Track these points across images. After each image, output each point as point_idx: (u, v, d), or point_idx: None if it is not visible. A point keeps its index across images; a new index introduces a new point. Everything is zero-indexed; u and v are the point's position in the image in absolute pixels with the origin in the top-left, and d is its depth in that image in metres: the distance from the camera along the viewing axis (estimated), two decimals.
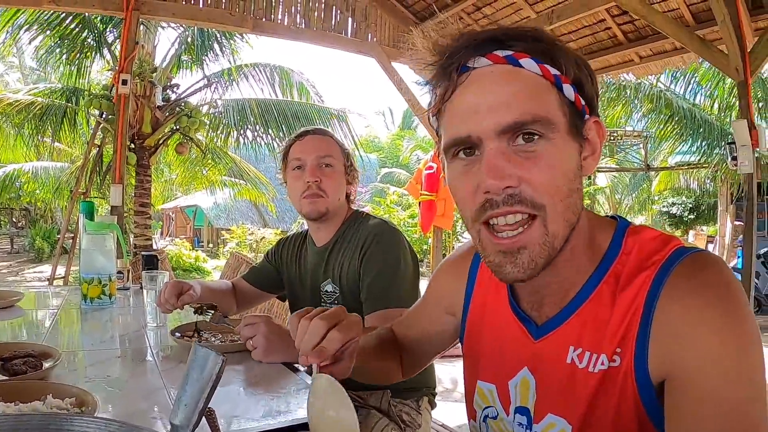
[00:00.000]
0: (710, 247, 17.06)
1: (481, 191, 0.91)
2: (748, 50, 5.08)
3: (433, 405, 2.27)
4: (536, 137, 0.89)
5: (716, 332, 0.83)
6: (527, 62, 0.90)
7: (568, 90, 0.92)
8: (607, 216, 1.07)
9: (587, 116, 0.95)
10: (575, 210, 0.94)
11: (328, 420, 0.94)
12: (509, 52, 0.90)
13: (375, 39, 7.84)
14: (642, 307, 0.90)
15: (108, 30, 8.97)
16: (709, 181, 17.31)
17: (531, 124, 0.88)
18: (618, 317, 0.92)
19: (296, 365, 1.72)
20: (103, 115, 8.47)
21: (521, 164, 0.89)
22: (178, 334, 1.94)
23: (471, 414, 1.20)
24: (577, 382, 0.95)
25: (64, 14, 8.17)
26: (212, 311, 1.99)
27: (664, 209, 22.12)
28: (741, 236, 13.36)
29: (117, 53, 7.95)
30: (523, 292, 1.08)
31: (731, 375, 0.81)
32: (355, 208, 2.32)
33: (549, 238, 0.91)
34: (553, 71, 0.90)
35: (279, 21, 7.16)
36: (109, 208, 5.86)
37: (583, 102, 0.94)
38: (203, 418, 0.85)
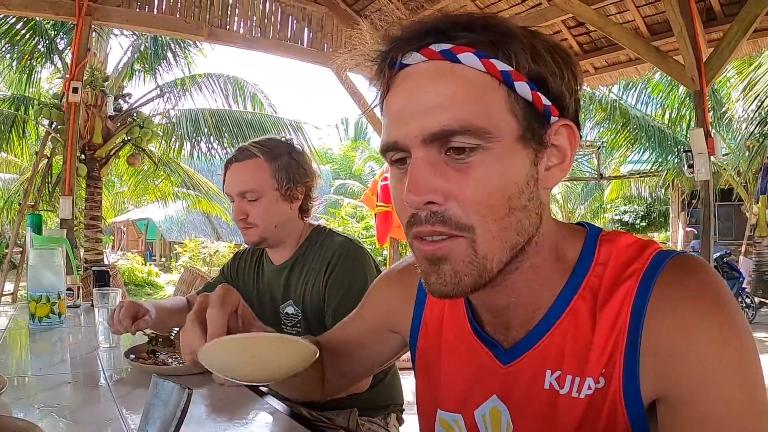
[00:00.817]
0: None
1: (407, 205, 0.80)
2: (704, 60, 5.17)
3: (400, 421, 2.21)
4: (469, 149, 0.77)
5: (714, 347, 0.76)
6: (467, 57, 0.76)
7: (523, 88, 0.77)
8: (575, 223, 0.96)
9: (554, 118, 0.81)
10: (520, 230, 0.81)
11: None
12: (447, 46, 0.77)
13: (331, 49, 7.80)
14: (628, 322, 0.80)
15: (59, 36, 8.78)
16: (660, 188, 17.66)
17: (461, 134, 0.76)
18: (602, 335, 0.82)
19: (262, 388, 1.64)
20: (53, 125, 8.28)
21: (451, 177, 0.78)
22: (132, 356, 1.83)
23: None
24: (561, 409, 0.85)
25: (13, 19, 7.94)
26: (168, 347, 1.86)
27: (616, 217, 22.54)
28: (693, 242, 13.72)
29: (68, 60, 7.76)
30: (484, 314, 0.96)
31: (734, 393, 0.75)
32: (317, 223, 2.22)
33: (478, 259, 0.79)
34: (502, 66, 0.76)
35: (235, 30, 7.09)
36: (59, 222, 5.69)
37: (547, 102, 0.79)
38: None
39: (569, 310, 0.86)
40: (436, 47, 0.77)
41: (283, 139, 2.14)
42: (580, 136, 0.86)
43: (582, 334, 0.84)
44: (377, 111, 0.87)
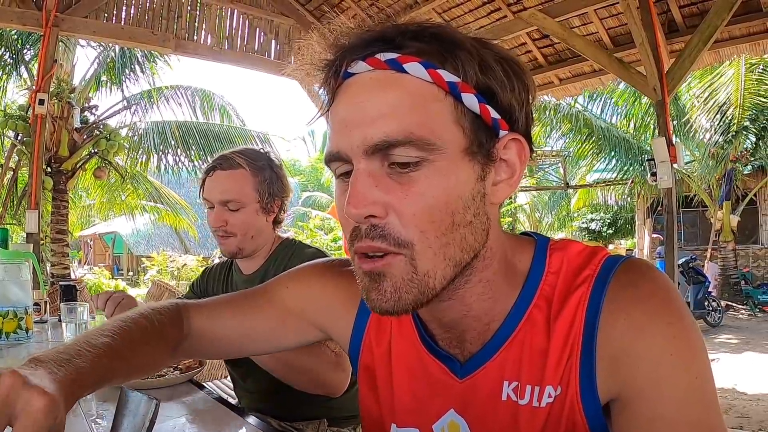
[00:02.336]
0: None
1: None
2: (665, 71, 5.29)
3: None
4: (412, 161, 0.75)
5: (665, 345, 0.77)
6: (413, 67, 0.75)
7: (470, 100, 0.76)
8: (524, 233, 0.95)
9: (504, 132, 0.79)
10: (465, 246, 0.79)
11: None
12: (393, 55, 0.76)
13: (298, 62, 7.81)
14: (582, 327, 0.82)
15: (26, 47, 8.69)
16: (626, 196, 17.92)
17: (403, 145, 0.74)
18: (558, 342, 0.83)
19: (227, 398, 1.65)
20: (19, 137, 8.16)
21: (393, 190, 0.76)
22: None
23: None
24: (522, 420, 0.85)
25: None
26: None
27: (584, 225, 22.80)
28: (659, 248, 13.94)
29: (34, 71, 7.67)
30: (435, 329, 0.94)
31: (684, 392, 0.76)
32: (286, 235, 2.23)
33: (418, 276, 0.77)
34: (449, 77, 0.75)
35: (202, 42, 7.08)
36: (25, 236, 5.62)
37: (495, 115, 0.78)
38: None
39: (525, 320, 0.86)
40: (382, 56, 0.76)
41: (262, 150, 2.15)
42: (532, 150, 0.84)
43: (538, 343, 0.85)
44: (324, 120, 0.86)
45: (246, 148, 2.12)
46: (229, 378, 2.76)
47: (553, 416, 0.83)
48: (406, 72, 0.75)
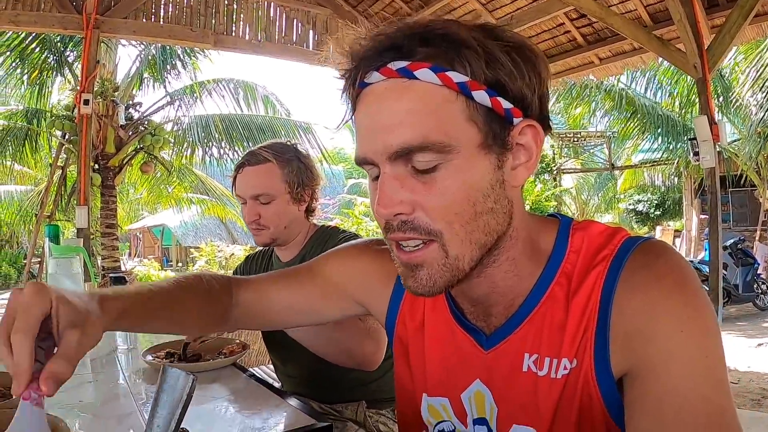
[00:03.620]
0: (677, 242, 17.35)
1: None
2: (706, 48, 5.20)
3: None
4: (432, 163, 0.81)
5: (678, 325, 0.80)
6: (423, 73, 0.79)
7: (481, 96, 0.80)
8: (548, 215, 1.00)
9: (517, 119, 0.83)
10: (488, 230, 0.85)
11: None
12: (403, 64, 0.80)
13: (338, 50, 7.84)
14: (598, 304, 0.86)
15: (68, 49, 8.90)
16: (673, 176, 17.58)
17: (421, 151, 0.80)
18: (574, 318, 0.87)
19: (271, 381, 1.71)
20: (66, 136, 8.39)
21: (417, 189, 0.82)
22: (150, 357, 1.92)
23: (417, 428, 1.10)
24: (540, 390, 0.90)
25: (23, 34, 8.07)
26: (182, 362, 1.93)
27: (630, 207, 22.43)
28: (707, 229, 13.65)
29: (78, 73, 7.87)
30: (464, 304, 1.01)
31: (695, 369, 0.79)
32: (323, 222, 2.29)
33: (450, 260, 0.85)
34: (458, 78, 0.79)
35: (240, 36, 7.16)
36: (75, 231, 5.79)
37: (507, 105, 0.82)
38: None
39: (547, 296, 0.91)
40: (394, 65, 0.81)
41: (289, 143, 2.21)
42: (549, 128, 0.89)
43: (557, 318, 0.89)
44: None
45: (273, 142, 2.18)
46: (271, 364, 2.84)
47: (568, 388, 0.87)
48: (417, 78, 0.80)
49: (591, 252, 0.90)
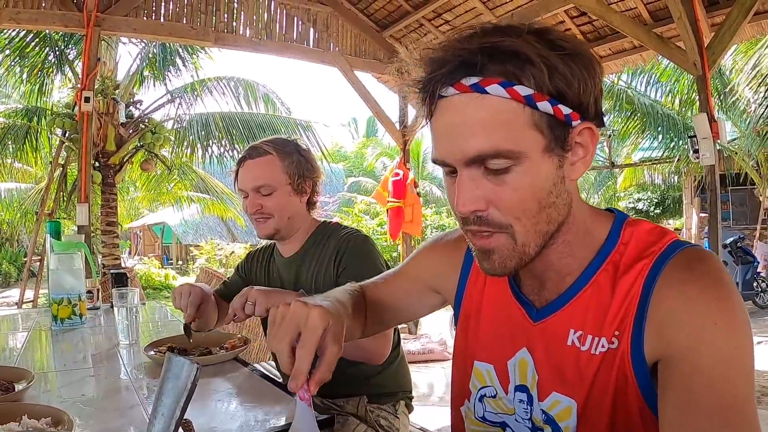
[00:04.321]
0: None
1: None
2: (705, 45, 5.18)
3: (410, 409, 2.28)
4: (503, 166, 0.91)
5: (710, 315, 0.88)
6: (494, 89, 0.89)
7: (545, 106, 0.89)
8: (606, 209, 1.11)
9: (576, 122, 0.93)
10: (551, 220, 0.97)
11: None
12: (476, 80, 0.89)
13: (337, 48, 7.88)
14: (639, 292, 0.95)
15: (69, 47, 8.89)
16: (673, 175, 17.56)
17: (494, 157, 0.91)
18: (617, 302, 0.97)
19: (272, 376, 1.72)
20: (67, 134, 8.39)
21: (491, 189, 0.93)
22: (152, 352, 1.93)
23: (464, 395, 1.22)
24: (581, 363, 1.00)
25: (23, 32, 8.07)
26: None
27: (630, 205, 22.40)
28: (707, 227, 13.62)
29: (78, 70, 7.87)
30: (525, 277, 1.12)
31: (723, 355, 0.85)
32: (323, 219, 2.32)
33: (518, 247, 0.96)
34: (524, 92, 0.88)
35: (241, 33, 7.17)
36: (76, 229, 5.80)
37: (567, 111, 0.91)
38: (180, 429, 0.85)
39: (593, 281, 1.02)
40: (467, 81, 0.90)
41: (290, 138, 2.25)
42: (603, 125, 0.99)
43: (602, 301, 1.00)
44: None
45: (273, 137, 2.24)
46: (272, 359, 2.85)
47: (606, 364, 0.97)
48: (488, 93, 0.89)
49: (640, 246, 1.00)
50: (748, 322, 0.90)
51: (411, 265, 1.43)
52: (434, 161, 1.00)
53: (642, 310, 0.94)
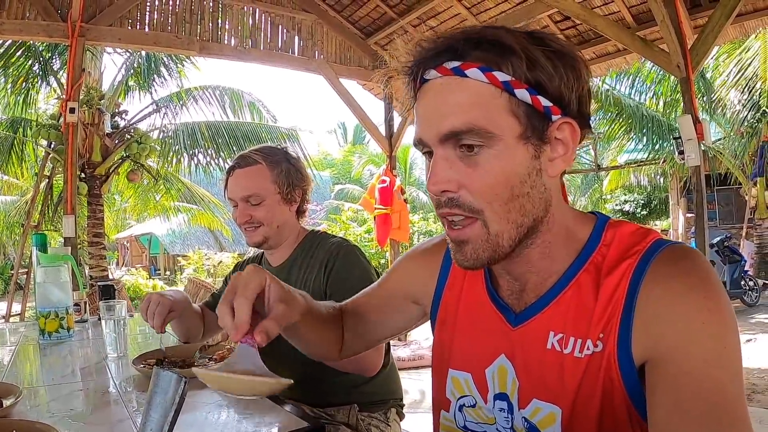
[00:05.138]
0: None
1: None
2: (689, 47, 5.22)
3: (401, 416, 2.27)
4: (476, 147, 0.93)
5: (697, 313, 0.87)
6: (473, 72, 0.92)
7: (523, 94, 0.92)
8: (589, 212, 1.11)
9: (556, 117, 0.95)
10: (525, 212, 0.97)
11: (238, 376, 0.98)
12: (457, 64, 0.93)
13: (322, 56, 7.88)
14: (625, 292, 0.94)
15: (53, 57, 8.85)
16: (659, 176, 17.66)
17: (467, 134, 0.92)
18: (602, 303, 0.96)
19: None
20: (52, 145, 8.33)
21: (463, 171, 0.95)
22: (141, 365, 1.91)
23: (442, 405, 1.20)
24: (565, 368, 0.98)
25: (8, 42, 8.02)
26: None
27: (617, 207, 22.51)
28: (693, 228, 13.72)
29: (63, 81, 7.82)
30: (503, 280, 1.11)
31: (711, 354, 0.85)
32: (311, 227, 2.31)
33: (491, 237, 0.97)
34: (503, 77, 0.91)
35: (226, 42, 7.16)
36: (62, 241, 5.75)
37: (546, 103, 0.93)
38: None
39: (575, 282, 1.01)
40: (449, 65, 0.94)
41: (279, 147, 2.24)
42: (589, 127, 1.00)
43: (585, 302, 0.99)
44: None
45: (263, 146, 2.23)
46: None
47: (592, 367, 0.95)
48: (467, 76, 0.93)
49: (623, 246, 1.00)
50: (735, 319, 0.89)
51: (390, 277, 1.41)
52: (414, 144, 1.02)
53: (629, 309, 0.93)
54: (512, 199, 0.95)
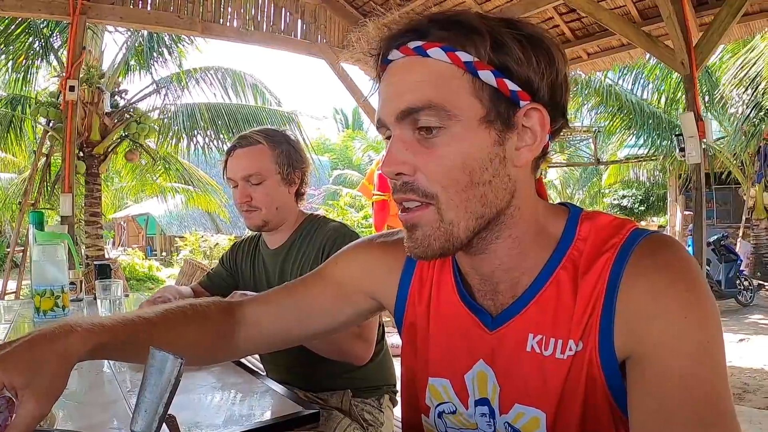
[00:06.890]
0: None
1: None
2: (693, 45, 5.21)
3: (394, 403, 2.27)
4: (435, 129, 0.88)
5: (680, 308, 0.84)
6: (434, 51, 0.89)
7: (487, 76, 0.87)
8: (559, 203, 1.05)
9: (524, 103, 0.90)
10: (485, 201, 0.91)
11: None
12: (419, 43, 0.90)
13: (325, 40, 7.84)
14: (605, 288, 0.90)
15: (54, 35, 8.80)
16: (658, 172, 17.67)
17: (424, 111, 0.88)
18: (582, 302, 0.92)
19: (256, 369, 1.71)
20: (51, 123, 8.30)
21: (419, 153, 0.90)
22: None
23: (421, 410, 1.14)
24: (547, 370, 0.94)
25: (8, 19, 7.97)
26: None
27: (615, 202, 22.55)
28: (691, 225, 13.74)
29: (64, 59, 7.78)
30: (473, 281, 1.05)
31: (695, 350, 0.82)
32: (309, 212, 2.30)
33: (444, 225, 0.91)
34: (465, 57, 0.87)
35: (228, 24, 7.11)
36: (59, 219, 5.74)
37: (513, 87, 0.88)
38: (164, 425, 0.83)
39: (552, 280, 0.96)
40: (411, 44, 0.91)
41: (279, 128, 2.24)
42: (564, 119, 0.96)
43: (564, 301, 0.94)
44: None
45: (263, 127, 2.24)
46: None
47: (574, 368, 0.92)
48: (429, 56, 0.89)
49: (600, 240, 0.95)
50: (717, 309, 0.86)
51: (340, 268, 1.26)
52: (376, 125, 0.98)
53: (609, 305, 0.89)
54: (471, 187, 0.89)
